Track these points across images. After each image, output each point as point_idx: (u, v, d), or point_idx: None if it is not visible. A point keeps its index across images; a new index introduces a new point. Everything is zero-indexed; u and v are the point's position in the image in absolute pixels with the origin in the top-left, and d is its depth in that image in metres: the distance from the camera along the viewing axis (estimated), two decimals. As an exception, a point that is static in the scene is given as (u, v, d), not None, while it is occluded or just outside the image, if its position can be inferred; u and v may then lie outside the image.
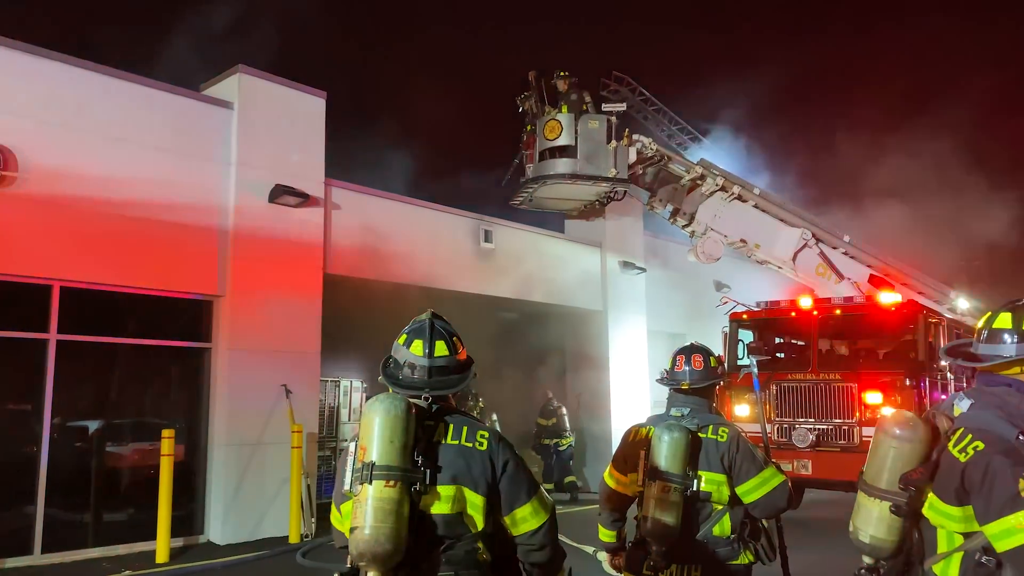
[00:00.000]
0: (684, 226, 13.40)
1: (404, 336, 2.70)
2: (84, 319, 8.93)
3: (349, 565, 2.41)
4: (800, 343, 11.52)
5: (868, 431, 9.90)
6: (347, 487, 2.45)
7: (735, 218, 13.09)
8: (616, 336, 15.06)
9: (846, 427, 10.16)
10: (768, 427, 9.18)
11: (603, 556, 4.36)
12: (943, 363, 10.31)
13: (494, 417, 13.30)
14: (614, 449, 4.00)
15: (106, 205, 8.93)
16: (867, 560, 2.66)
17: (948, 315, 12.40)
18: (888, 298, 11.02)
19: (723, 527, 3.60)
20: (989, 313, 2.65)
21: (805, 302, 11.10)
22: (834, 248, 13.19)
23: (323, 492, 11.71)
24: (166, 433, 8.70)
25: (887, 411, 9.48)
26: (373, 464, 2.38)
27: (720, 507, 3.60)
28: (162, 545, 8.57)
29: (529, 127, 13.27)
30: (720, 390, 4.01)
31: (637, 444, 3.72)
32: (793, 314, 11.11)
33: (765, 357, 10.52)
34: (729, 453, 3.59)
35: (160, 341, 9.63)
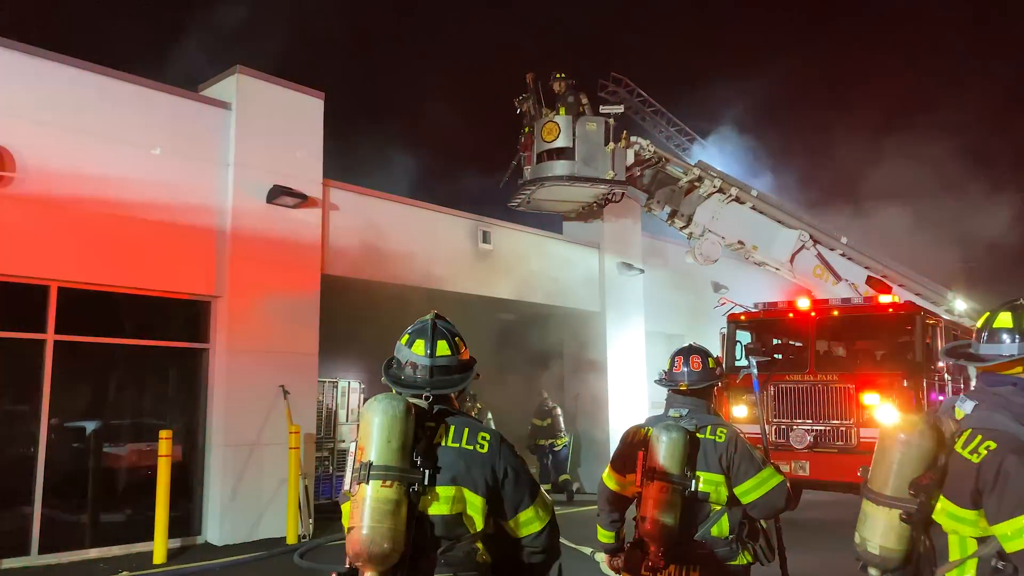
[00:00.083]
0: (682, 228, 13.41)
1: (406, 336, 2.70)
2: (82, 319, 8.92)
3: (348, 565, 2.40)
4: (798, 344, 11.53)
5: (866, 432, 9.92)
6: (346, 487, 2.45)
7: (733, 220, 13.11)
8: (614, 337, 15.06)
9: (844, 428, 10.17)
10: (766, 428, 9.19)
11: (601, 557, 4.37)
12: (941, 364, 10.33)
13: (489, 416, 13.32)
14: (612, 450, 4.01)
15: (104, 205, 8.92)
16: (873, 572, 2.56)
17: (946, 316, 12.42)
18: (886, 299, 11.04)
19: (721, 527, 3.60)
20: (988, 313, 2.64)
21: (803, 303, 11.11)
22: (832, 250, 13.22)
23: (321, 493, 11.73)
24: (164, 434, 8.69)
25: (889, 415, 9.52)
26: (371, 464, 2.37)
27: (718, 507, 3.60)
28: (159, 546, 8.56)
29: (527, 129, 13.28)
30: (719, 391, 4.00)
31: (636, 445, 3.72)
32: (791, 315, 11.12)
33: (764, 358, 10.53)
34: (727, 453, 3.60)
35: (158, 342, 9.62)
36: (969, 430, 2.41)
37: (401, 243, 11.94)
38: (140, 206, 9.18)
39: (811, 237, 13.02)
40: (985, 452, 2.31)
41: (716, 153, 20.67)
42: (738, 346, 11.53)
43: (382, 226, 11.76)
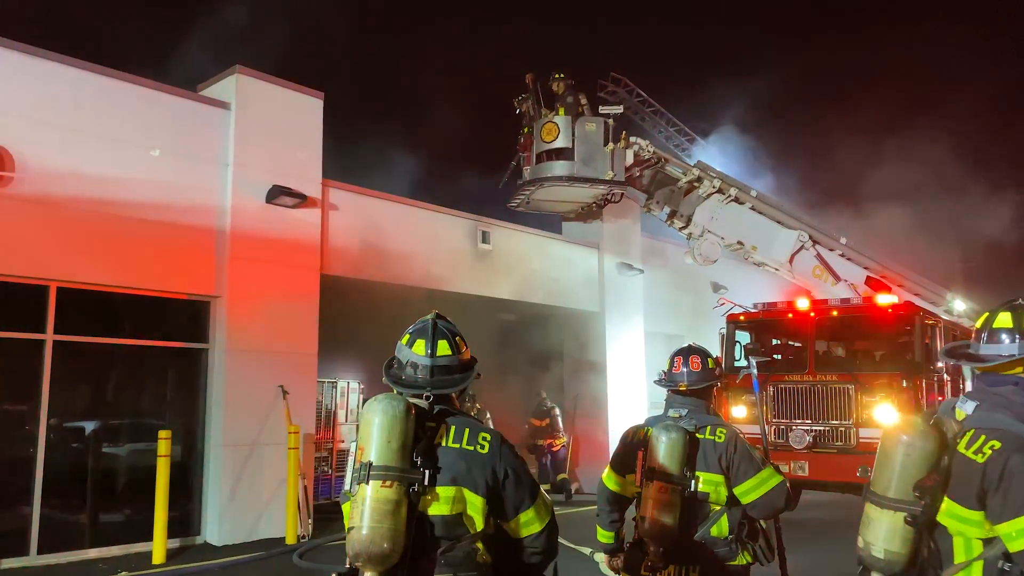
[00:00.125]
0: (681, 228, 13.41)
1: (407, 336, 2.69)
2: (81, 319, 8.92)
3: (348, 565, 2.40)
4: (797, 345, 11.53)
5: (865, 433, 9.92)
6: (346, 487, 2.45)
7: (732, 220, 13.11)
8: (613, 337, 15.06)
9: (843, 428, 10.17)
10: (766, 428, 9.18)
11: (600, 557, 4.38)
12: (940, 364, 10.34)
13: (487, 416, 13.31)
14: (611, 450, 4.00)
15: (103, 205, 8.92)
16: None
17: (945, 316, 12.43)
18: (885, 300, 11.04)
19: (721, 528, 3.60)
20: (987, 314, 2.64)
21: (802, 304, 11.12)
22: (831, 250, 13.22)
23: (320, 493, 11.73)
24: (163, 434, 8.68)
25: (889, 416, 9.51)
26: (371, 464, 2.37)
27: (718, 508, 3.60)
28: (159, 546, 8.56)
29: (526, 129, 13.28)
30: (718, 391, 4.00)
31: (635, 445, 3.73)
32: (790, 316, 11.12)
33: (764, 358, 10.53)
34: (727, 454, 3.60)
35: (157, 342, 9.62)
36: (972, 430, 2.40)
37: (400, 243, 11.94)
38: (139, 206, 9.18)
39: (810, 237, 13.02)
40: (990, 452, 2.30)
41: (715, 153, 20.68)
42: (737, 346, 11.53)
43: (381, 226, 11.76)
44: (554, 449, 13.91)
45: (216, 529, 9.51)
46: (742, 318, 11.54)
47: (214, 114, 10.02)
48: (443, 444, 2.52)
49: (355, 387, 13.10)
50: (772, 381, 10.63)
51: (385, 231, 11.77)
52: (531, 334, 14.98)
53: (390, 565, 2.34)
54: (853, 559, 2.64)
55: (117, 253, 8.98)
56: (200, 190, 9.76)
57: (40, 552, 8.34)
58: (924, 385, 10.00)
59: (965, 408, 2.50)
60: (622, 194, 13.68)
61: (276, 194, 10.11)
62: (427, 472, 2.44)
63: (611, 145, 12.77)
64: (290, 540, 9.54)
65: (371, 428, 2.41)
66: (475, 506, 2.50)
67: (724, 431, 3.67)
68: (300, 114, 10.79)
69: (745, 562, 3.64)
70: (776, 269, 13.49)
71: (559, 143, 12.79)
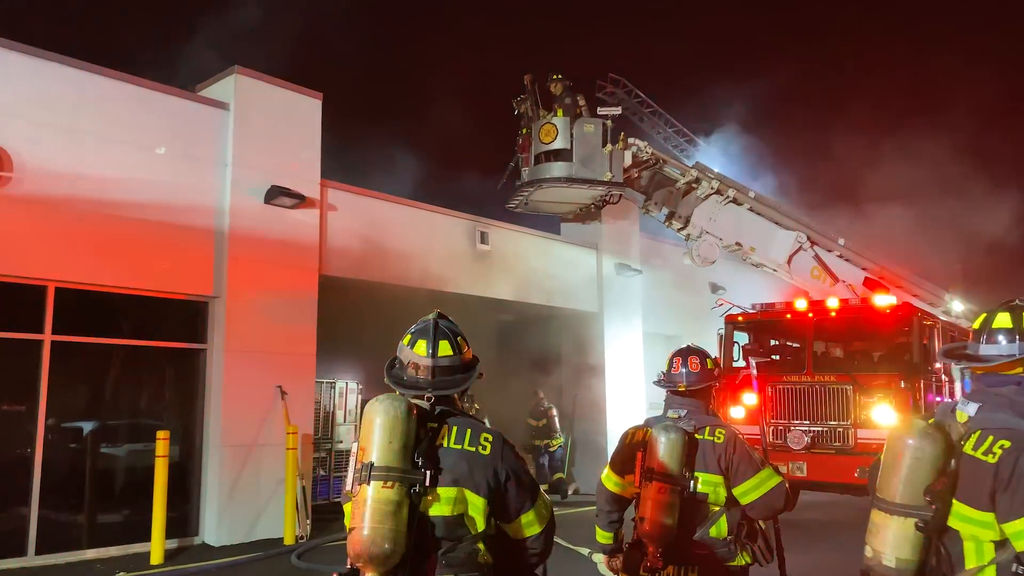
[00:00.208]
0: (680, 229, 13.43)
1: (408, 336, 2.69)
2: (79, 320, 8.91)
3: (349, 566, 2.40)
4: (795, 345, 11.54)
5: (863, 433, 9.93)
6: (348, 487, 2.45)
7: (730, 221, 13.13)
8: (612, 338, 15.07)
9: (841, 429, 10.17)
10: (765, 429, 9.19)
11: (599, 558, 4.37)
12: (938, 365, 10.35)
13: (485, 419, 13.30)
14: (610, 450, 4.01)
15: (101, 205, 8.91)
16: None
17: (943, 317, 12.45)
18: (883, 300, 11.05)
19: (720, 528, 3.61)
20: (985, 314, 2.63)
21: (800, 304, 11.13)
22: (829, 251, 13.25)
23: (318, 494, 11.72)
24: (161, 434, 8.68)
25: (888, 416, 9.52)
26: (372, 465, 2.37)
27: (717, 508, 3.61)
28: (157, 547, 8.55)
29: (524, 130, 13.28)
30: (717, 392, 4.01)
31: (634, 445, 3.73)
32: (788, 316, 11.14)
33: (764, 359, 10.54)
34: (726, 454, 3.60)
35: (155, 342, 9.61)
36: (979, 431, 2.38)
37: (399, 244, 11.94)
38: (138, 206, 9.17)
39: (808, 238, 13.05)
40: (1000, 451, 2.29)
41: (714, 154, 20.71)
42: (736, 347, 11.54)
43: (380, 226, 11.76)
44: (551, 449, 13.92)
45: (214, 530, 9.50)
46: (740, 319, 11.55)
47: (213, 114, 10.01)
48: (445, 445, 2.52)
49: (354, 388, 13.08)
50: (770, 382, 10.64)
51: (384, 231, 11.77)
52: (529, 335, 14.97)
53: (391, 566, 2.34)
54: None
55: (115, 253, 8.98)
56: (199, 190, 9.76)
57: (38, 553, 8.33)
58: (922, 386, 10.02)
59: (967, 410, 2.49)
60: (620, 195, 13.68)
61: (275, 194, 10.11)
62: (428, 473, 2.43)
63: (609, 146, 12.78)
64: (288, 541, 9.53)
65: (372, 429, 2.41)
66: (476, 507, 2.50)
67: (723, 432, 3.67)
68: (299, 114, 10.79)
69: (744, 563, 3.64)
70: (774, 270, 13.51)
71: (557, 144, 12.79)
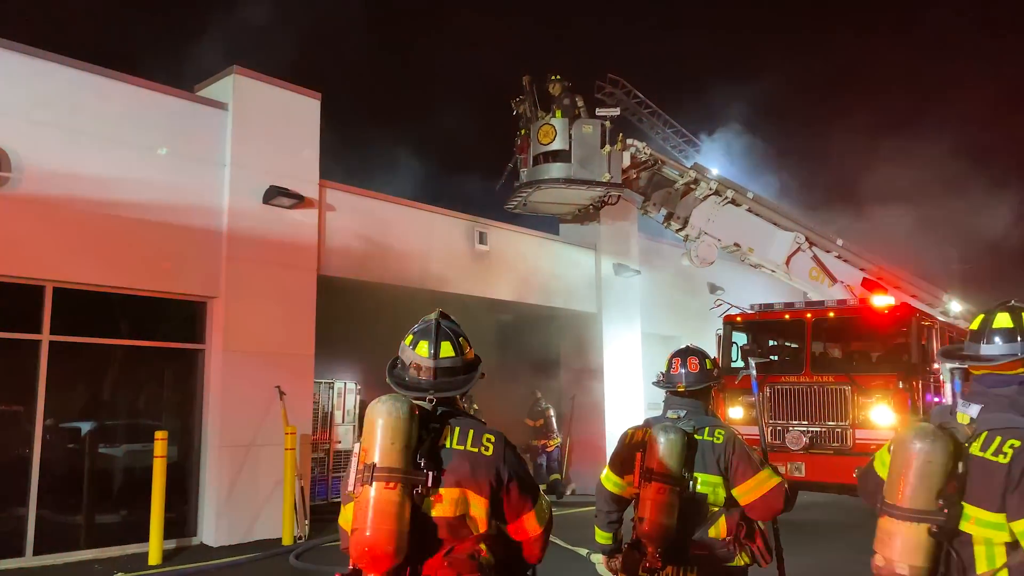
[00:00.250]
0: (678, 230, 13.45)
1: (410, 337, 2.68)
2: (77, 320, 8.90)
3: (350, 567, 2.40)
4: (794, 346, 11.56)
5: (861, 434, 9.94)
6: (350, 488, 2.44)
7: (729, 222, 13.15)
8: (610, 338, 15.07)
9: (839, 430, 10.19)
10: (764, 429, 9.19)
11: (598, 558, 4.38)
12: (937, 365, 10.37)
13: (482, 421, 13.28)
14: (609, 451, 4.00)
15: (100, 205, 8.90)
16: None
17: (941, 318, 12.47)
18: (881, 301, 11.07)
19: (719, 529, 3.61)
20: (983, 315, 2.62)
21: (799, 305, 11.15)
22: (827, 252, 13.27)
23: (316, 494, 11.71)
24: (159, 435, 8.66)
25: (887, 417, 9.52)
26: (375, 466, 2.37)
27: (716, 509, 3.61)
28: (155, 547, 8.54)
29: (523, 131, 13.30)
30: (716, 392, 4.00)
31: (634, 446, 3.73)
32: (787, 317, 11.15)
33: (763, 360, 10.54)
34: (725, 455, 3.60)
35: (153, 342, 9.60)
36: (985, 432, 2.37)
37: (398, 244, 11.94)
38: (136, 206, 9.16)
39: (807, 239, 13.07)
40: (1011, 451, 2.28)
41: (713, 155, 20.73)
42: (734, 347, 11.55)
43: (379, 227, 11.75)
44: (548, 450, 13.92)
45: (212, 530, 9.49)
46: (739, 319, 11.56)
47: (211, 114, 10.01)
48: (447, 446, 2.52)
49: (352, 388, 13.09)
50: (769, 382, 10.65)
51: (382, 232, 11.77)
52: (528, 335, 14.97)
53: (393, 566, 2.34)
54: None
55: (114, 253, 8.97)
56: (197, 191, 9.75)
57: (36, 553, 8.30)
58: (920, 386, 10.03)
59: (968, 411, 2.47)
60: (619, 196, 13.71)
61: (273, 195, 10.10)
62: (431, 474, 2.43)
63: (608, 147, 12.80)
64: (286, 541, 9.52)
65: (375, 430, 2.41)
66: (478, 508, 2.50)
67: (723, 432, 3.67)
68: (298, 115, 10.78)
69: (743, 563, 3.64)
70: (773, 271, 13.53)
71: (556, 145, 12.81)
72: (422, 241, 12.34)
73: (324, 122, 11.08)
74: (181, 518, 9.48)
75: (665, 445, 3.52)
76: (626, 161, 13.06)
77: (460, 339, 2.69)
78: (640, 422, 3.97)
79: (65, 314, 8.74)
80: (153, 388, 9.94)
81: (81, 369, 9.15)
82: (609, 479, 3.89)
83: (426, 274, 12.20)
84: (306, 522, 9.88)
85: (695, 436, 3.64)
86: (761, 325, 11.58)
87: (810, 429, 10.32)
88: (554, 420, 14.09)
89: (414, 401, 2.53)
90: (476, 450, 2.53)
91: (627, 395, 14.98)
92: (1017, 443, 2.30)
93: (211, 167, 9.90)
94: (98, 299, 9.00)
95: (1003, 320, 2.54)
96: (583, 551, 8.50)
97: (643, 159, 13.22)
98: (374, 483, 2.35)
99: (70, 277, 8.73)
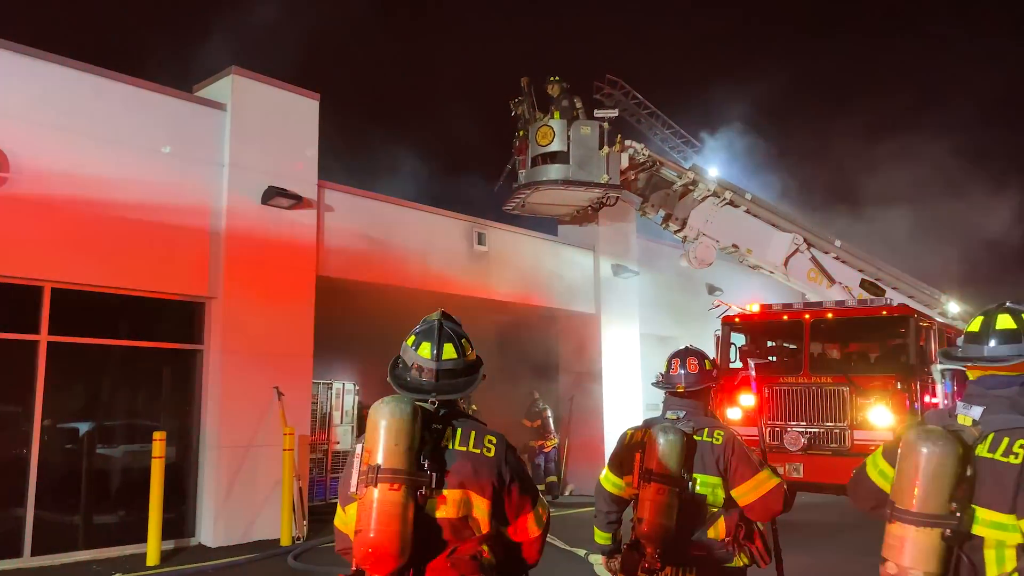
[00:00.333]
0: (676, 231, 13.46)
1: (412, 338, 2.68)
2: (75, 320, 8.88)
3: (353, 568, 2.40)
4: (792, 347, 11.56)
5: (860, 435, 9.95)
6: (352, 489, 2.44)
7: (727, 223, 13.16)
8: (609, 339, 15.07)
9: (837, 431, 10.19)
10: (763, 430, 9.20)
11: (596, 559, 4.38)
12: (936, 366, 10.38)
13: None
14: (607, 452, 4.01)
15: (98, 206, 8.89)
16: None
17: (939, 319, 12.48)
18: (879, 302, 11.08)
19: (718, 529, 3.61)
20: (982, 317, 2.60)
21: (797, 306, 11.16)
22: (825, 253, 13.29)
23: (315, 495, 11.70)
24: (157, 435, 8.65)
25: (886, 418, 9.52)
26: (379, 467, 2.37)
27: (715, 510, 3.61)
28: (153, 548, 8.52)
29: (521, 132, 13.32)
30: (715, 393, 4.01)
31: (633, 446, 3.73)
32: (785, 318, 11.16)
33: (763, 360, 10.55)
34: (724, 456, 3.61)
35: (152, 343, 9.59)
36: (992, 433, 2.35)
37: (396, 245, 11.93)
38: (134, 207, 9.15)
39: (805, 240, 13.08)
40: (1022, 451, 2.26)
41: (711, 156, 20.74)
42: (732, 348, 11.56)
43: (377, 227, 11.75)
44: (546, 450, 13.94)
45: (211, 531, 9.48)
46: (737, 320, 11.57)
47: (210, 115, 10.00)
48: (449, 447, 2.52)
49: (350, 389, 13.08)
50: (767, 383, 10.66)
51: (381, 232, 11.77)
52: (527, 336, 14.97)
53: (396, 567, 2.34)
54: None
55: (112, 254, 8.96)
56: (195, 191, 9.74)
57: (34, 554, 8.29)
58: (919, 387, 10.04)
59: (970, 413, 2.45)
60: (617, 197, 13.72)
61: (272, 195, 10.10)
62: (434, 475, 2.43)
63: (606, 149, 12.81)
64: (285, 542, 9.52)
65: (378, 431, 2.41)
66: (481, 509, 2.50)
67: (722, 433, 3.68)
68: (296, 115, 10.78)
69: (742, 564, 3.65)
70: (771, 272, 13.55)
71: (554, 147, 12.83)
72: (421, 242, 12.33)
73: (324, 122, 11.08)
74: (179, 519, 9.47)
75: (664, 446, 3.52)
76: (624, 162, 13.08)
77: (462, 341, 2.69)
78: (639, 423, 3.98)
79: (63, 314, 8.73)
80: (151, 389, 9.93)
81: (79, 370, 9.14)
82: (608, 480, 3.89)
83: (425, 275, 12.20)
84: (304, 523, 9.87)
85: (694, 437, 3.65)
86: (759, 326, 11.59)
87: (808, 430, 10.32)
88: (551, 421, 14.11)
89: (416, 401, 2.54)
90: (478, 451, 2.53)
91: (626, 396, 14.98)
92: None
93: (209, 167, 9.90)
94: (96, 300, 8.98)
95: (1005, 321, 2.52)
96: (582, 552, 8.51)
97: (641, 160, 13.23)
98: (379, 484, 2.35)
99: (68, 277, 8.72)
